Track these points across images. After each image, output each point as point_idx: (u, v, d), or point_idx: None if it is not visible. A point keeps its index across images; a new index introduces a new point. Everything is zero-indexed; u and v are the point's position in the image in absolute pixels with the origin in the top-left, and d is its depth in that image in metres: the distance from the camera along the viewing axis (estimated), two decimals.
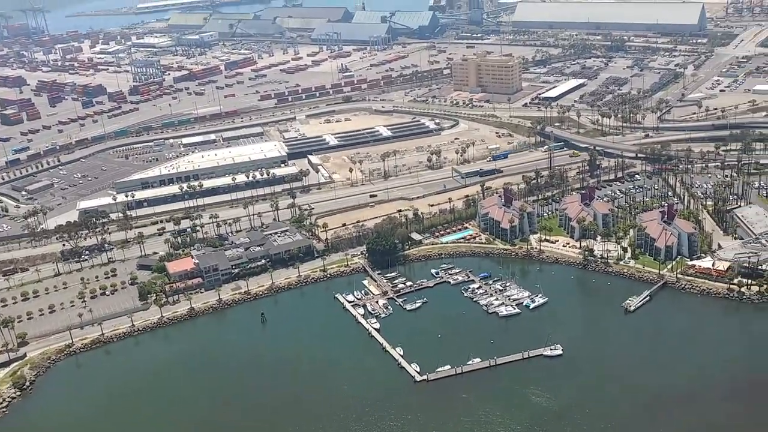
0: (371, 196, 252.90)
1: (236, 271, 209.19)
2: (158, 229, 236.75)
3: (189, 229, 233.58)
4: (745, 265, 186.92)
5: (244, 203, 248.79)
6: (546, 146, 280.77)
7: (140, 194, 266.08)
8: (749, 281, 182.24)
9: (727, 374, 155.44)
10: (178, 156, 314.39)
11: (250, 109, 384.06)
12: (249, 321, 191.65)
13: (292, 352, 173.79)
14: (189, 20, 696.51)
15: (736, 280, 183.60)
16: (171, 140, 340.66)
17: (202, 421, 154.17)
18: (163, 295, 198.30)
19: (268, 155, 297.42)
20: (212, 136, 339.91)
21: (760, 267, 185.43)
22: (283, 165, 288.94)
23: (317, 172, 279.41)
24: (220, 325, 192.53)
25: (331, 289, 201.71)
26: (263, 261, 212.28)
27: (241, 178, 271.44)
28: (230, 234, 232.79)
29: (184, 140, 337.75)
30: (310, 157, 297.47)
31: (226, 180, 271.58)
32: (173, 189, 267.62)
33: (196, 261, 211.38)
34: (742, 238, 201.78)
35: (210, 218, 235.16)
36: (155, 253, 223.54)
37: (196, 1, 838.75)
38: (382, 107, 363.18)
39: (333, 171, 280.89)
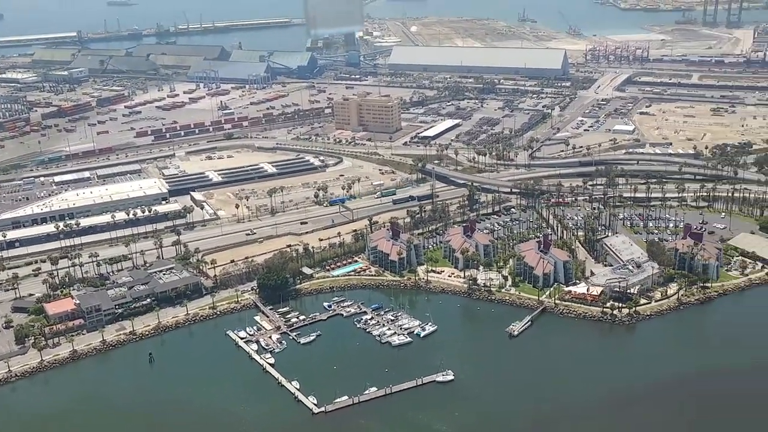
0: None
1: (120, 310, 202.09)
2: (33, 270, 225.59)
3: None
4: (615, 289, 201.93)
5: (125, 241, 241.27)
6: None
7: (12, 234, 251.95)
8: (620, 304, 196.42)
9: (606, 390, 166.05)
10: (50, 194, 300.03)
11: (125, 146, 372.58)
12: (136, 362, 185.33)
13: (183, 393, 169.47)
14: (55, 56, 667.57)
15: (608, 304, 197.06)
16: (42, 178, 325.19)
17: None
18: (43, 338, 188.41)
19: (147, 192, 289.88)
20: (86, 174, 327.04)
21: (628, 291, 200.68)
22: (164, 202, 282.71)
23: (201, 208, 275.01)
24: (105, 367, 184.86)
25: (221, 326, 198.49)
26: (148, 300, 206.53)
27: (121, 215, 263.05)
28: (111, 273, 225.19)
29: (56, 178, 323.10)
30: (192, 193, 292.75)
31: (105, 218, 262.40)
32: (48, 228, 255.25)
33: (77, 301, 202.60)
34: (612, 265, 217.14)
35: (90, 257, 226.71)
36: (31, 294, 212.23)
37: (62, 36, 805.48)
38: (268, 145, 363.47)
39: (218, 207, 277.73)
